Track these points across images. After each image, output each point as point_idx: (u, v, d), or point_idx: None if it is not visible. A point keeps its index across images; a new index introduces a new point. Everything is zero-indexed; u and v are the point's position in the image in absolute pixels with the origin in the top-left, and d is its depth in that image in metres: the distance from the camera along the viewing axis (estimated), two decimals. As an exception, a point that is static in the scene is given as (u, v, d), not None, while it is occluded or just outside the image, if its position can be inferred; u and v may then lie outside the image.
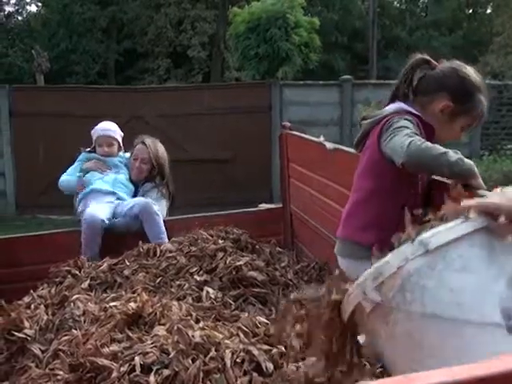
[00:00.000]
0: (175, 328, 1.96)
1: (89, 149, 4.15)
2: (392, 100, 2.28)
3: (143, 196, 3.96)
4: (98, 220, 3.58)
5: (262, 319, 2.24)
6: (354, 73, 13.35)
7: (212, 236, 3.47)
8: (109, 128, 4.06)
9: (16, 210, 9.87)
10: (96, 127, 4.08)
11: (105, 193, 3.85)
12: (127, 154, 4.13)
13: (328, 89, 9.88)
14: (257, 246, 3.49)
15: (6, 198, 9.81)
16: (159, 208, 3.77)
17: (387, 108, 2.24)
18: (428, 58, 2.26)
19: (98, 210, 3.67)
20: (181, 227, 3.71)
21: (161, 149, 4.11)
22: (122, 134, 4.13)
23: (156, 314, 2.28)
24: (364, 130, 2.30)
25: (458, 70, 2.17)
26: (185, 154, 9.24)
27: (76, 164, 4.09)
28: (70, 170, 4.09)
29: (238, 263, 3.01)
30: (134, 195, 4.00)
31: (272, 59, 9.96)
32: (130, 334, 2.15)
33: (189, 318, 2.18)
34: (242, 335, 2.03)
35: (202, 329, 2.02)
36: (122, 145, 4.14)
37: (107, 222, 3.65)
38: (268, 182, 9.57)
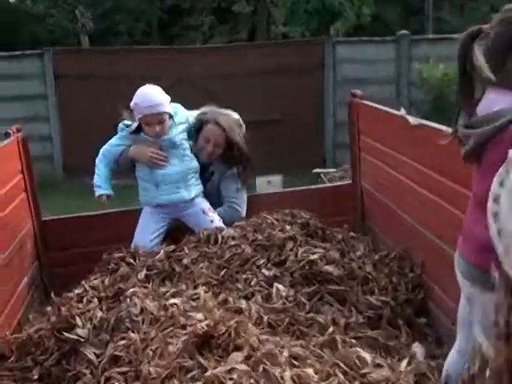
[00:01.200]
0: (261, 369, 1.62)
1: (127, 122, 3.36)
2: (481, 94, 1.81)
3: (219, 183, 3.51)
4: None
5: (364, 355, 1.83)
6: (407, 26, 12.57)
7: (278, 220, 3.13)
8: (155, 101, 3.18)
9: (64, 173, 9.73)
10: (137, 102, 3.21)
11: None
12: (181, 112, 3.37)
13: (384, 45, 9.28)
14: (327, 232, 3.14)
15: (54, 162, 9.67)
16: (241, 208, 3.44)
17: (503, 106, 1.71)
18: (475, 27, 1.79)
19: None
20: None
21: (236, 127, 3.46)
22: (169, 97, 3.27)
23: (230, 333, 1.93)
24: (480, 140, 1.74)
25: None
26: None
27: (115, 142, 3.44)
28: (108, 148, 3.47)
29: (311, 257, 2.65)
30: (201, 174, 3.45)
31: (323, 15, 9.41)
32: (202, 361, 1.82)
33: (273, 347, 1.81)
34: (340, 375, 1.67)
35: (291, 364, 1.67)
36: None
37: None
38: (320, 145, 9.17)
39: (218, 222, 3.29)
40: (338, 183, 4.33)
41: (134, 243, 3.33)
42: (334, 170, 7.51)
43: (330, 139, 9.20)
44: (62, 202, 8.16)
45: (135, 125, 3.27)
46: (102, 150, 3.46)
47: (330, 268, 2.63)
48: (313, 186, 4.03)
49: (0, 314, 2.81)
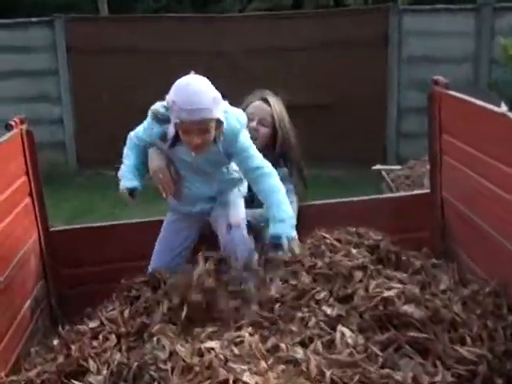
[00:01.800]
0: None
1: (163, 110, 2.94)
2: None
3: None
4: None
5: None
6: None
7: (340, 241, 2.93)
8: (199, 104, 2.71)
9: (77, 164, 9.69)
10: (176, 99, 2.75)
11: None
12: (233, 117, 2.95)
13: (461, 15, 8.99)
14: (403, 257, 2.92)
15: (66, 150, 9.66)
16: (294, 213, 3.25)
17: None
18: None
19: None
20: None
21: (286, 115, 3.54)
22: (219, 96, 2.80)
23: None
24: None
25: None
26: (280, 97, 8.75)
27: (142, 135, 3.15)
28: (133, 141, 3.22)
29: (386, 293, 2.44)
30: None
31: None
32: None
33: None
34: None
35: None
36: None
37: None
38: (380, 135, 8.98)
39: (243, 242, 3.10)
40: (413, 192, 4.08)
41: (151, 263, 3.27)
42: (399, 167, 7.28)
43: (393, 129, 8.99)
44: (75, 199, 8.12)
45: (171, 130, 2.90)
46: (132, 135, 3.24)
47: (409, 308, 2.41)
48: (379, 196, 3.79)
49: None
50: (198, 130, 2.77)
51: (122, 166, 3.18)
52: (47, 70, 9.43)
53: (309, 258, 2.79)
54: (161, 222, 3.35)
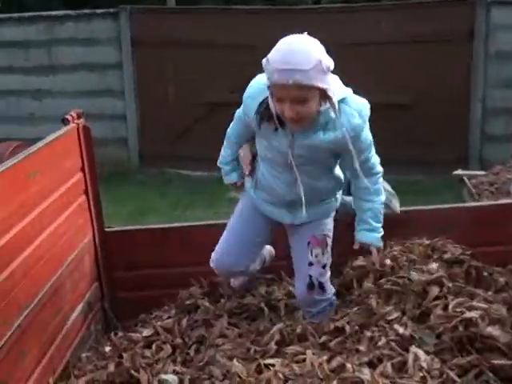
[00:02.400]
0: None
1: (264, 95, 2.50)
2: None
3: None
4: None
5: None
6: None
7: (413, 253, 2.81)
8: (296, 62, 2.28)
9: (139, 161, 9.77)
10: (270, 57, 2.37)
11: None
12: (353, 101, 2.53)
13: (555, 7, 8.61)
14: (485, 273, 2.78)
15: (128, 146, 9.72)
16: None
17: None
18: None
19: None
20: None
21: None
22: (328, 63, 2.35)
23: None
24: None
25: None
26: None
27: (233, 128, 2.91)
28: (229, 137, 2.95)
29: (467, 314, 2.31)
30: None
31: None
32: None
33: None
34: None
35: None
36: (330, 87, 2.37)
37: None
38: (463, 138, 8.66)
39: (318, 268, 2.79)
40: (498, 202, 3.89)
41: (214, 259, 2.97)
42: (483, 172, 7.02)
43: (477, 130, 8.67)
44: (135, 198, 8.17)
45: (262, 95, 2.50)
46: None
47: (494, 331, 2.28)
48: (460, 204, 3.66)
49: (43, 355, 2.70)
50: (292, 98, 2.32)
51: (222, 152, 2.96)
52: (111, 63, 9.51)
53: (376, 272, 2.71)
54: (223, 225, 3.28)
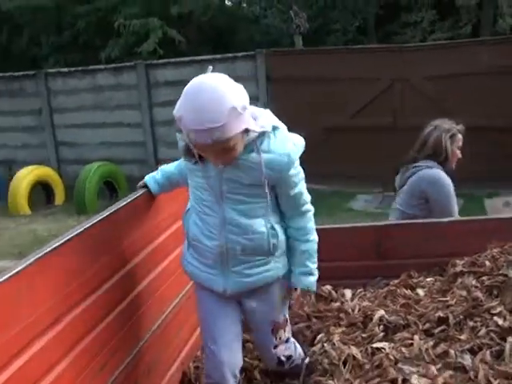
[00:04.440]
0: None
1: None
2: None
3: None
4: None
5: None
6: None
7: (509, 254, 2.66)
8: (211, 120, 1.80)
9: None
10: (183, 113, 1.87)
11: None
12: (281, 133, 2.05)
13: None
14: None
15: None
16: None
17: None
18: None
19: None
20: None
21: None
22: (243, 102, 1.87)
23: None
24: None
25: None
26: (456, 121, 8.30)
27: None
28: None
29: None
30: None
31: None
32: None
33: None
34: None
35: None
36: (253, 125, 1.94)
37: None
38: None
39: (283, 346, 2.31)
40: None
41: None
42: None
43: None
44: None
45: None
46: None
47: None
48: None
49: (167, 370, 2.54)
50: (216, 151, 1.89)
51: (169, 165, 2.46)
52: (249, 96, 9.71)
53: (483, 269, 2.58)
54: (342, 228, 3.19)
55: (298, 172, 2.10)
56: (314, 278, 2.22)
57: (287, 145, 2.02)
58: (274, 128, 2.01)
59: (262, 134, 1.97)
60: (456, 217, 3.33)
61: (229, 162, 1.96)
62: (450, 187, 3.38)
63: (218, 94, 1.81)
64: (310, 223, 2.20)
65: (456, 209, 3.39)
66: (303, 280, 2.20)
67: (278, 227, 2.13)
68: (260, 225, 2.08)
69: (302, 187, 2.14)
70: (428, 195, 3.38)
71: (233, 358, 2.19)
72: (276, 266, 2.16)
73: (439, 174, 3.39)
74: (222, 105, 1.80)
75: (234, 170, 1.99)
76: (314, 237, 2.21)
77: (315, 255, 2.22)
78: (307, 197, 2.18)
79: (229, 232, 2.06)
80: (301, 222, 2.17)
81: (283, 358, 2.31)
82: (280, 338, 2.27)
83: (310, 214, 2.20)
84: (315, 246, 2.22)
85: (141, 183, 2.45)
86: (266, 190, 2.03)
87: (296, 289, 2.20)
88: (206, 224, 2.10)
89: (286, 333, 2.31)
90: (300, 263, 2.20)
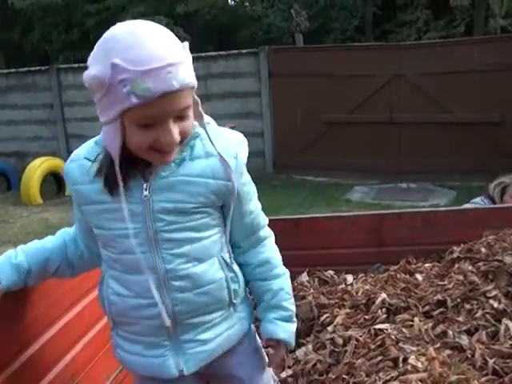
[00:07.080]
0: None
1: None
2: None
3: None
4: None
5: None
6: None
7: (504, 241, 2.67)
8: (168, 55, 1.19)
9: (273, 169, 9.91)
10: (118, 59, 1.19)
11: None
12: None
13: None
14: None
15: (265, 157, 9.91)
16: None
17: None
18: None
19: None
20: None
21: None
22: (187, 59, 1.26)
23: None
24: None
25: None
26: (450, 116, 8.38)
27: None
28: None
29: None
30: None
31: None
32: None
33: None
34: None
35: None
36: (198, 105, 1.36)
37: None
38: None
39: None
40: None
41: None
42: None
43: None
44: (271, 198, 8.26)
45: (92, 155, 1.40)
46: None
47: None
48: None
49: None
50: (177, 112, 1.25)
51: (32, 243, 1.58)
52: (252, 91, 9.75)
53: (479, 255, 2.59)
54: (342, 217, 3.18)
55: (249, 180, 1.51)
56: (292, 327, 1.58)
57: (230, 143, 1.42)
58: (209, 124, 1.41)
59: (196, 136, 1.38)
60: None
61: (172, 154, 1.30)
62: None
63: (163, 29, 1.24)
64: (277, 253, 1.58)
65: None
66: (286, 327, 1.56)
67: (235, 266, 1.51)
68: (216, 268, 1.44)
69: (257, 203, 1.55)
70: None
71: None
72: (239, 319, 1.54)
73: None
74: (175, 39, 1.24)
75: (166, 194, 1.34)
76: (285, 270, 1.58)
77: (291, 293, 1.59)
78: (264, 218, 1.57)
79: (174, 290, 1.40)
80: (263, 253, 1.54)
81: None
82: None
83: (272, 241, 1.58)
84: (289, 282, 1.59)
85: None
86: (217, 211, 1.43)
87: (277, 340, 1.56)
88: (135, 288, 1.41)
89: None
90: (276, 305, 1.55)
